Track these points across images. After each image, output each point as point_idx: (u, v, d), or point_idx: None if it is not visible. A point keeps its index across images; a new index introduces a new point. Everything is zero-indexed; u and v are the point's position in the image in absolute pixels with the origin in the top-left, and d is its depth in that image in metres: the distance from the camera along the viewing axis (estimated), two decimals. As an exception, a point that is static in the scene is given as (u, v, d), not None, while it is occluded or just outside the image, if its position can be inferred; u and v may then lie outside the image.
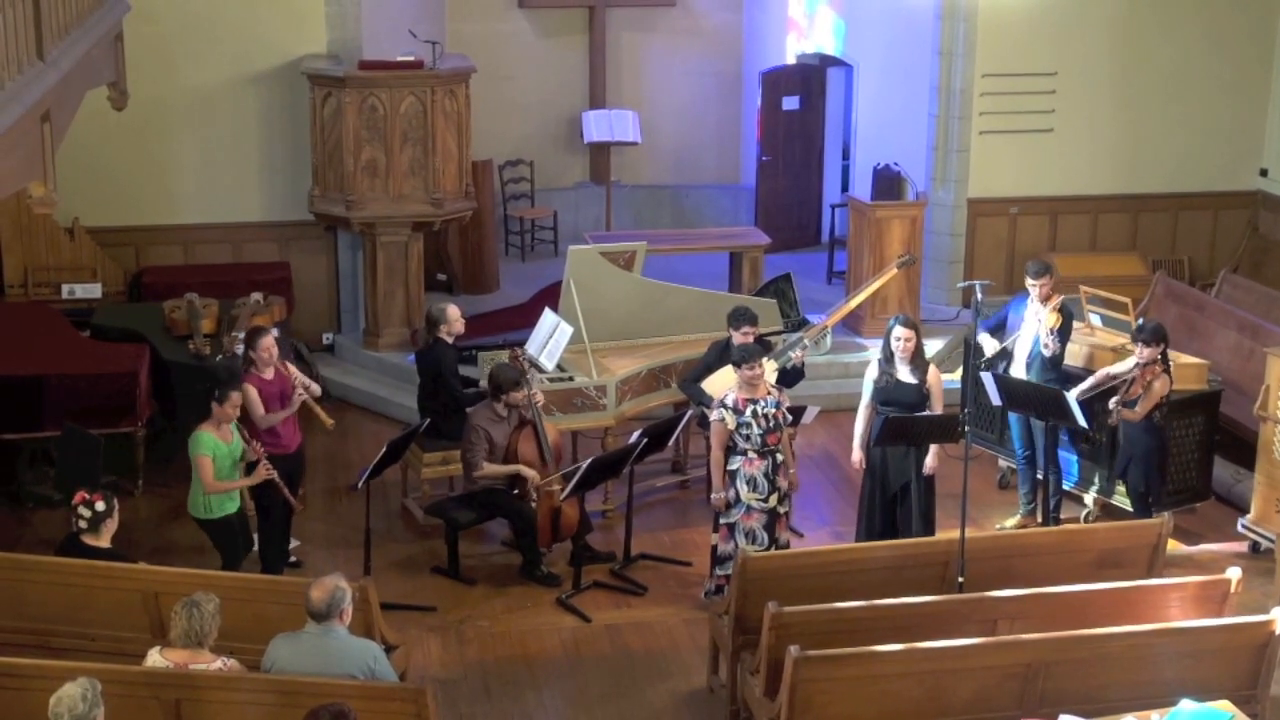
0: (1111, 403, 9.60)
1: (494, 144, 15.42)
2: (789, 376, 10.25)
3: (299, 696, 6.56)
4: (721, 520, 9.20)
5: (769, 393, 9.16)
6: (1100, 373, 10.08)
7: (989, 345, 10.30)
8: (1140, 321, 10.20)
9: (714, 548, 9.31)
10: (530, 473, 9.67)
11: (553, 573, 9.82)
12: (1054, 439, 10.18)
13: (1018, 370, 10.19)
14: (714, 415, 9.15)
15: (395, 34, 13.06)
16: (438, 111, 12.58)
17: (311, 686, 6.62)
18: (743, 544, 9.01)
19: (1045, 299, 10.03)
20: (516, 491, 9.69)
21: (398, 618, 8.96)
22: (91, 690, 5.90)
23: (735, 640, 8.05)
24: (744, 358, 9.07)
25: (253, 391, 9.35)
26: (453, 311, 10.61)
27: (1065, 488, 10.48)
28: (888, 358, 9.43)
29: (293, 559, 9.68)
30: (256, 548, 9.56)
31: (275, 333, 9.78)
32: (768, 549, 9.04)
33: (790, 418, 9.42)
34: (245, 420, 9.20)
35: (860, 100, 15.35)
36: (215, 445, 8.88)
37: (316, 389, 9.78)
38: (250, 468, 9.10)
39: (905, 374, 9.38)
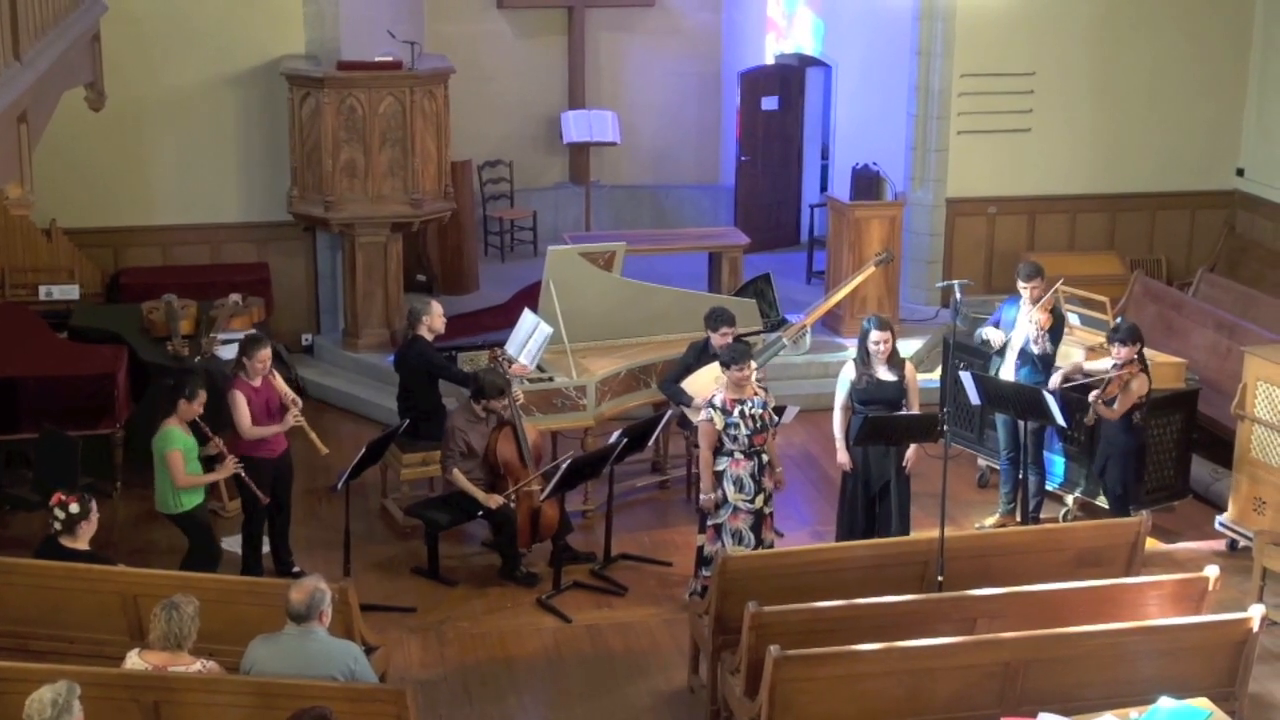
0: (1091, 395, 9.61)
1: (473, 144, 15.39)
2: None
3: (278, 698, 6.55)
4: (709, 521, 9.19)
5: (756, 393, 9.16)
6: (1071, 364, 10.08)
7: (996, 337, 10.19)
8: (1117, 321, 10.22)
9: (700, 549, 9.31)
10: (496, 501, 9.60)
11: (533, 573, 9.80)
12: (1039, 441, 10.20)
13: (1007, 371, 10.13)
14: (702, 416, 9.13)
15: (374, 34, 13.02)
16: (416, 112, 12.56)
17: (291, 688, 6.61)
18: (729, 545, 9.00)
19: (1036, 301, 9.98)
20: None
21: (378, 619, 8.95)
22: (64, 695, 5.85)
23: (715, 640, 8.05)
24: (733, 359, 9.04)
25: (242, 399, 9.31)
26: (436, 306, 10.60)
27: (1049, 488, 10.49)
28: (864, 359, 9.44)
29: (295, 569, 9.64)
30: (268, 549, 9.71)
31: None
32: (754, 550, 9.04)
33: (776, 418, 9.43)
34: (209, 420, 9.19)
35: (839, 100, 15.36)
36: (184, 440, 8.95)
37: (299, 402, 9.72)
38: (209, 463, 9.14)
39: (884, 373, 9.41)
